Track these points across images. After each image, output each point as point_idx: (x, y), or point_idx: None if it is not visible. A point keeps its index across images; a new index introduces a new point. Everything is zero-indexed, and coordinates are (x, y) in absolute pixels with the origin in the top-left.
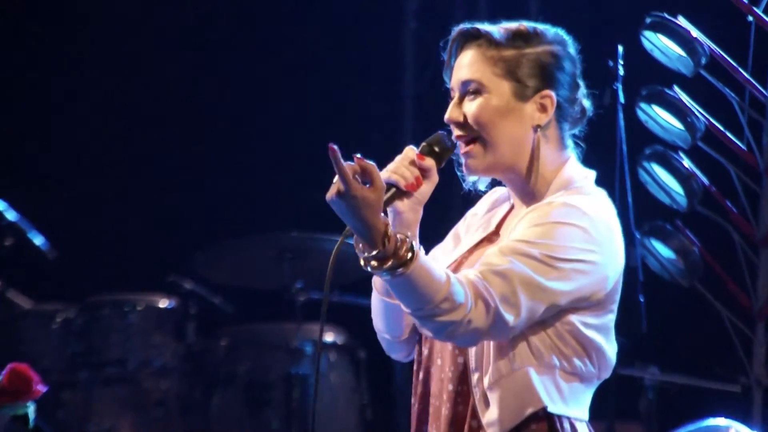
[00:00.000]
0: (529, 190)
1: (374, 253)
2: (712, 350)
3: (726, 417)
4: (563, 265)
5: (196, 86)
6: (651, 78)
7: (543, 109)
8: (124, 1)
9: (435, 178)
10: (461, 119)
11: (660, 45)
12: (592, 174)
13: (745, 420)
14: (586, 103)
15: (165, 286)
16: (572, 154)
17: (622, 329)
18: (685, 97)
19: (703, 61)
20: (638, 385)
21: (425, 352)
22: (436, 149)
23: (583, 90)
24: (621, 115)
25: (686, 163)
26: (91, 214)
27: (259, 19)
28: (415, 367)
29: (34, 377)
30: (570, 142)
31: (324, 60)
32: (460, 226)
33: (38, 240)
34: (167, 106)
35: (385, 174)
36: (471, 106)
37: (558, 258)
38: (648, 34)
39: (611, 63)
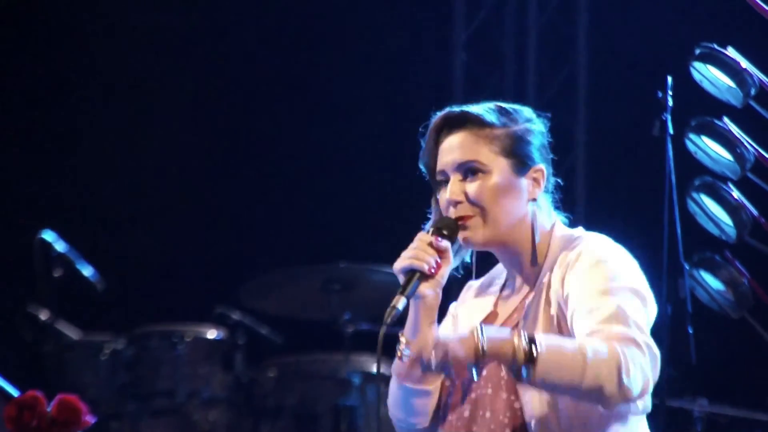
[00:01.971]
0: (525, 260)
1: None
2: (762, 381)
3: None
4: (645, 292)
5: (245, 120)
6: (700, 109)
7: (536, 182)
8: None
9: (450, 259)
10: (462, 198)
11: (709, 76)
12: (580, 229)
13: None
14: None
15: (213, 317)
16: (557, 218)
17: (671, 361)
18: (734, 128)
19: (753, 91)
20: (687, 417)
21: (466, 413)
22: (445, 231)
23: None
24: (670, 146)
25: (735, 194)
26: (139, 245)
27: (305, 54)
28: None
29: (82, 408)
30: (552, 210)
31: (373, 93)
32: (458, 307)
33: (87, 271)
34: (215, 138)
35: (406, 261)
36: (473, 186)
37: (640, 289)
38: (697, 65)
39: (660, 94)
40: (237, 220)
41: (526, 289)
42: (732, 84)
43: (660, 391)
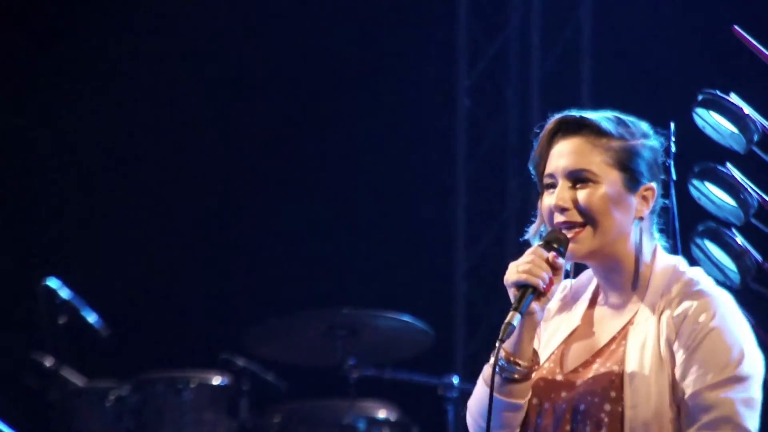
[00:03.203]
0: (626, 280)
1: None
2: None
3: None
4: (758, 380)
5: (249, 164)
6: (703, 155)
7: (645, 201)
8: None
9: (561, 276)
10: (570, 206)
11: (712, 122)
12: (681, 258)
13: None
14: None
15: (218, 364)
16: (657, 243)
17: None
18: (737, 174)
19: (756, 137)
20: None
21: None
22: (555, 245)
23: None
24: (673, 192)
25: (739, 239)
26: (144, 291)
27: (310, 97)
28: None
29: None
30: (656, 233)
31: (377, 140)
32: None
33: (92, 318)
34: (219, 184)
35: (523, 276)
36: (583, 194)
37: (754, 380)
38: (700, 111)
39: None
40: (241, 266)
41: (625, 315)
42: (735, 130)
43: None
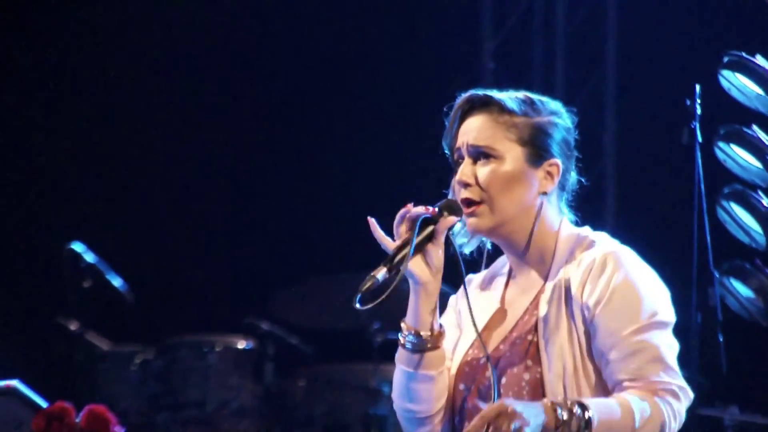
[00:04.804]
0: (530, 253)
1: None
2: None
3: None
4: (671, 317)
5: (275, 136)
6: (729, 117)
7: (550, 176)
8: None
9: (441, 242)
10: (472, 181)
11: (738, 84)
12: (587, 227)
13: None
14: (574, 175)
15: (243, 328)
16: (564, 217)
17: (702, 369)
18: (763, 136)
19: None
20: (718, 425)
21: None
22: (446, 212)
23: (574, 161)
24: (699, 154)
25: (765, 201)
26: (168, 256)
27: (331, 67)
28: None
29: (111, 419)
30: (564, 207)
31: (402, 104)
32: (460, 301)
33: (117, 282)
34: (245, 153)
35: (412, 214)
36: (484, 170)
37: (669, 320)
38: (726, 73)
39: (689, 102)
40: (267, 231)
41: (536, 286)
42: (761, 92)
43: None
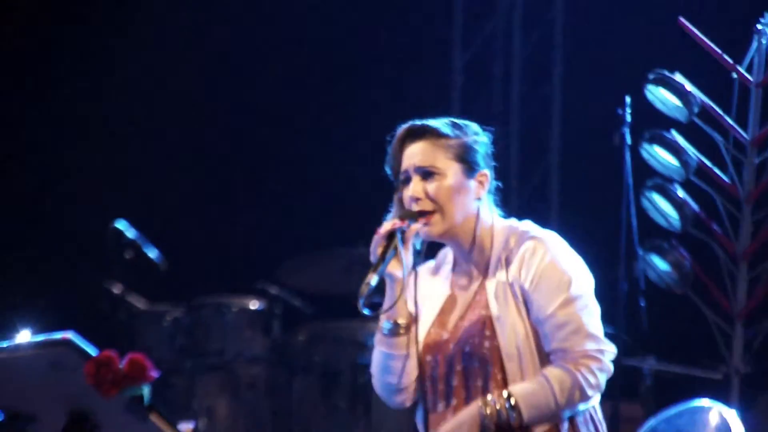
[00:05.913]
0: (476, 248)
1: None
2: (700, 345)
3: (710, 399)
4: (591, 288)
5: (285, 110)
6: (652, 123)
7: (482, 184)
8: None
9: (410, 246)
10: (422, 196)
11: (660, 97)
12: (514, 219)
13: (725, 401)
14: (494, 182)
15: (255, 291)
16: (495, 213)
17: (627, 328)
18: (680, 139)
19: (696, 110)
20: (639, 373)
21: (454, 382)
22: (407, 219)
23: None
24: (628, 154)
25: (680, 193)
26: (195, 232)
27: (329, 71)
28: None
29: (148, 365)
30: (493, 206)
31: (394, 102)
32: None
33: (153, 253)
34: (259, 126)
35: (387, 226)
36: (431, 186)
37: (589, 290)
38: (651, 87)
39: (620, 111)
40: (276, 208)
41: (481, 271)
42: (679, 103)
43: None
